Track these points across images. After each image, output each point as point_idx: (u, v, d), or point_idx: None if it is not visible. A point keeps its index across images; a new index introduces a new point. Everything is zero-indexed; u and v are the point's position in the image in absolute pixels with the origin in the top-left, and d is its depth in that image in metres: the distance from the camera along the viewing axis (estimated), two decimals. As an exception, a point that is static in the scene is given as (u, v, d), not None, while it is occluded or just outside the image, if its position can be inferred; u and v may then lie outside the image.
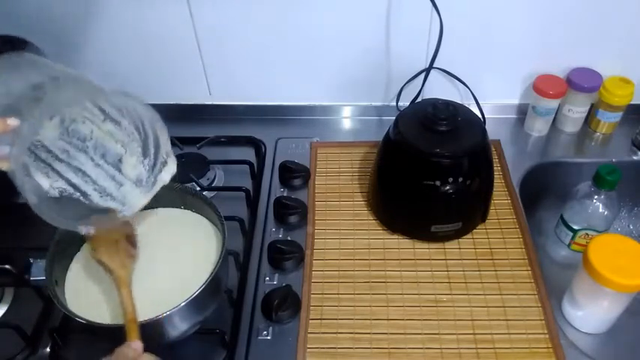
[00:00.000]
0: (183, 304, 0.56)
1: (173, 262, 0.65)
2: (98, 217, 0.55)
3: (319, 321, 0.68)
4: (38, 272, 0.60)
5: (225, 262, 0.66)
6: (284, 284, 0.71)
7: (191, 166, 0.87)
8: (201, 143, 0.90)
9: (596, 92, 0.90)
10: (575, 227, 0.80)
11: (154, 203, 0.70)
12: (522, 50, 0.90)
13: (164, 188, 0.68)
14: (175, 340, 0.61)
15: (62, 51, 0.92)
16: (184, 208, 0.71)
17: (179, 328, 0.59)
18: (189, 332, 0.62)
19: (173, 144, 0.89)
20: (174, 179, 0.59)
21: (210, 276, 0.58)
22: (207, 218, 0.70)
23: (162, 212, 0.71)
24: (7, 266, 0.67)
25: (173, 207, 0.71)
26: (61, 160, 0.54)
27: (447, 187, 0.70)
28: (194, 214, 0.71)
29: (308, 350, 0.65)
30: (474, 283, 0.72)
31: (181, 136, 0.91)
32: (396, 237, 0.78)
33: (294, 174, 0.86)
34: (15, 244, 0.76)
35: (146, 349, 0.51)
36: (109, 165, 0.57)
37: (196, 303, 0.57)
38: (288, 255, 0.73)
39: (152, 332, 0.57)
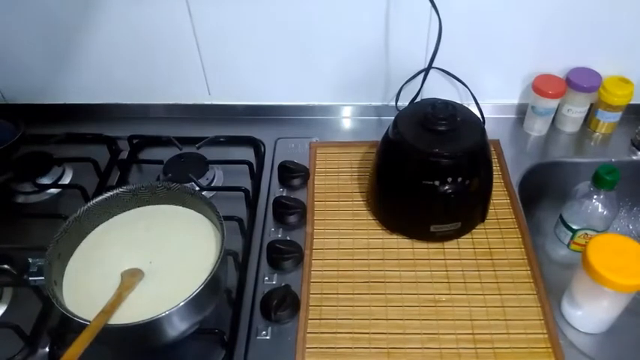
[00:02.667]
0: (182, 303, 0.55)
1: (172, 262, 0.65)
2: None
3: (318, 321, 0.68)
4: (37, 272, 0.60)
5: (225, 262, 0.66)
6: (283, 284, 0.71)
7: (190, 166, 0.87)
8: (200, 143, 0.90)
9: (596, 92, 0.90)
10: (575, 227, 0.80)
11: (154, 200, 0.71)
12: (522, 50, 0.90)
13: (163, 188, 0.68)
14: (174, 339, 0.61)
15: (62, 51, 0.93)
16: (184, 207, 0.71)
17: (178, 327, 0.59)
18: (188, 332, 0.61)
19: (173, 144, 0.90)
20: (173, 179, 0.59)
21: (209, 276, 0.58)
22: (206, 218, 0.70)
23: (162, 209, 0.71)
24: (6, 266, 0.68)
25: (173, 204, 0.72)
26: None
27: (446, 187, 0.70)
28: (193, 212, 0.70)
29: (307, 350, 0.65)
30: (473, 283, 0.72)
31: (181, 136, 0.91)
32: (395, 237, 0.78)
33: (293, 174, 0.86)
34: (15, 244, 0.76)
35: (146, 349, 0.51)
36: None
37: (195, 303, 0.57)
38: (287, 255, 0.73)
39: (151, 332, 0.57)
